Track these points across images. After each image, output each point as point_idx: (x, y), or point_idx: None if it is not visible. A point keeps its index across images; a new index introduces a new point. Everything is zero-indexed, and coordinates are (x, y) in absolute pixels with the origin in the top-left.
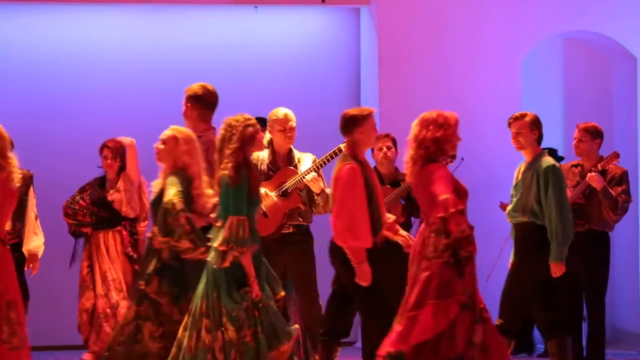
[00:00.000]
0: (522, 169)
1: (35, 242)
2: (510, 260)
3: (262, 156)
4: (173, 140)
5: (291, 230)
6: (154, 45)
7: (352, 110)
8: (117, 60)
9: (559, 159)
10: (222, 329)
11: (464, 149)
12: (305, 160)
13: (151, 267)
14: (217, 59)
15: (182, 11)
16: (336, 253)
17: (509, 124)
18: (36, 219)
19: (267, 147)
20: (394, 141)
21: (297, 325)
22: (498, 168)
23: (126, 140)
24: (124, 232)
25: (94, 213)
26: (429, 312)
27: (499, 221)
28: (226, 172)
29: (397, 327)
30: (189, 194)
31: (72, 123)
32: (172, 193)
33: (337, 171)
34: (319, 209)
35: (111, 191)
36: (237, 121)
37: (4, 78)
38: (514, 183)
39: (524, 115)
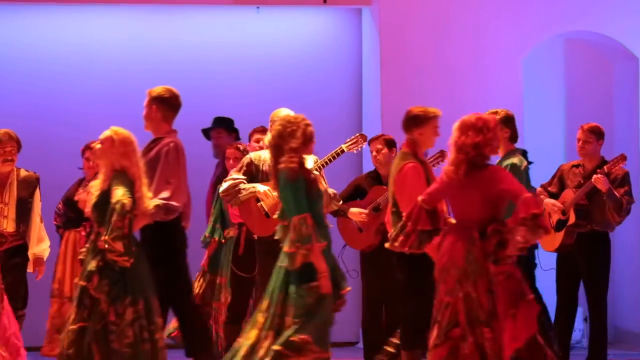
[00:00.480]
0: None
1: (40, 245)
2: None
3: (263, 156)
4: (109, 141)
5: None
6: (155, 46)
7: (417, 110)
8: (118, 61)
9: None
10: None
11: None
12: (306, 161)
13: (93, 265)
14: (219, 60)
15: (183, 11)
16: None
17: None
18: (41, 222)
19: (269, 148)
20: (387, 142)
21: None
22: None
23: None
24: (82, 233)
25: (64, 213)
26: (526, 309)
27: None
28: (291, 165)
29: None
30: (132, 196)
31: (72, 123)
32: (121, 193)
33: (398, 169)
34: None
35: (80, 190)
36: (297, 119)
37: (5, 78)
38: None
39: (494, 114)
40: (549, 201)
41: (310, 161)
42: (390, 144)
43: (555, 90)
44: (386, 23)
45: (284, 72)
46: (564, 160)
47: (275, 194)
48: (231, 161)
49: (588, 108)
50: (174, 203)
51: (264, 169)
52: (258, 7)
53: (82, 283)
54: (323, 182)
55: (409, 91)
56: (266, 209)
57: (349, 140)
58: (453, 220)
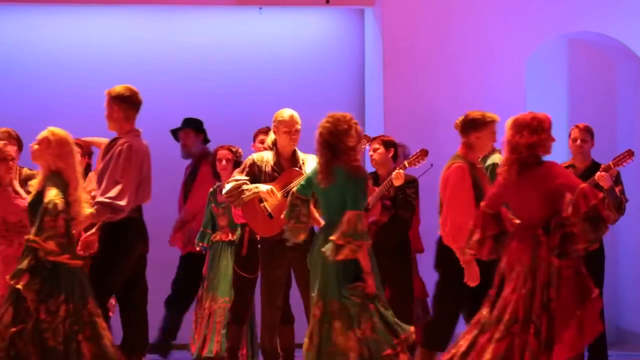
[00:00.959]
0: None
1: None
2: None
3: (266, 157)
4: (45, 142)
5: None
6: (157, 47)
7: (475, 114)
8: (119, 62)
9: None
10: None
11: None
12: (309, 162)
13: (25, 264)
14: (221, 60)
15: (185, 12)
16: (443, 253)
17: (456, 129)
18: None
19: (271, 149)
20: (385, 143)
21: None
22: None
23: (102, 140)
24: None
25: None
26: (593, 309)
27: None
28: (357, 163)
29: (563, 334)
30: (64, 197)
31: (75, 124)
32: (54, 194)
33: (444, 169)
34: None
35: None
36: (346, 117)
37: (9, 79)
38: None
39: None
40: None
41: (312, 162)
42: (388, 144)
43: (558, 90)
44: (389, 23)
45: (286, 72)
46: (567, 159)
47: (279, 194)
48: (223, 162)
49: (591, 108)
50: (119, 203)
51: (266, 169)
52: (260, 8)
53: (12, 282)
54: None
55: (412, 92)
56: (269, 210)
57: None
58: (517, 221)
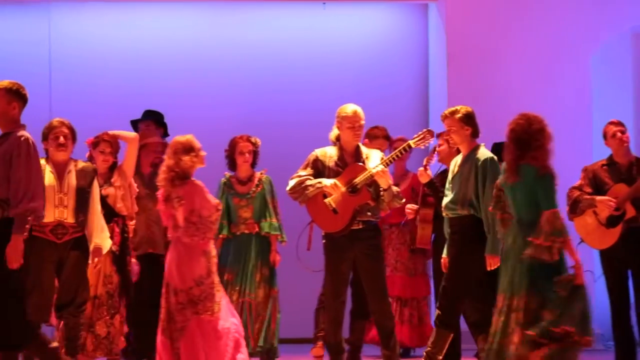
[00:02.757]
0: (459, 162)
1: (101, 235)
2: (444, 255)
3: (329, 152)
4: None
5: (360, 227)
6: (222, 43)
7: None
8: (183, 59)
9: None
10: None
11: None
12: (373, 157)
13: None
14: (286, 56)
15: (249, 8)
16: None
17: (442, 121)
18: (101, 212)
19: (335, 144)
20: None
21: None
22: (567, 168)
23: (130, 134)
24: (116, 229)
25: None
26: None
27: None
28: (547, 162)
29: None
30: None
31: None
32: None
33: None
34: (384, 206)
35: (105, 185)
36: (538, 117)
37: (66, 76)
38: (449, 177)
39: (454, 112)
40: (601, 197)
41: (376, 157)
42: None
43: (624, 86)
44: (452, 19)
45: (350, 68)
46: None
47: (343, 188)
48: (246, 155)
49: None
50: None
51: (330, 165)
52: (324, 3)
53: None
54: (389, 179)
55: (475, 87)
56: (334, 205)
57: (416, 136)
58: None
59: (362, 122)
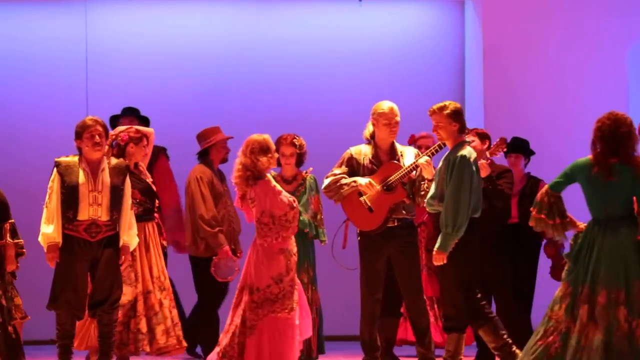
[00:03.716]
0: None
1: (129, 232)
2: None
3: (364, 150)
4: None
5: (396, 224)
6: (256, 41)
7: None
8: (216, 56)
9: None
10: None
11: (569, 145)
12: (407, 154)
13: None
14: (322, 53)
15: (285, 6)
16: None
17: (430, 116)
18: (131, 209)
19: (369, 141)
20: (480, 135)
21: None
22: None
23: (149, 130)
24: (161, 223)
25: (141, 203)
26: None
27: None
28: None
29: None
30: None
31: (176, 118)
32: None
33: None
34: (419, 201)
35: (148, 180)
36: (628, 119)
37: (108, 74)
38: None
39: (442, 108)
40: None
41: (411, 154)
42: (483, 136)
43: None
44: (489, 15)
45: (386, 65)
46: None
47: (378, 187)
48: (288, 157)
49: None
50: None
51: (364, 163)
52: (360, 0)
53: None
54: (432, 170)
55: (512, 84)
56: (369, 204)
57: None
58: None
59: (398, 118)
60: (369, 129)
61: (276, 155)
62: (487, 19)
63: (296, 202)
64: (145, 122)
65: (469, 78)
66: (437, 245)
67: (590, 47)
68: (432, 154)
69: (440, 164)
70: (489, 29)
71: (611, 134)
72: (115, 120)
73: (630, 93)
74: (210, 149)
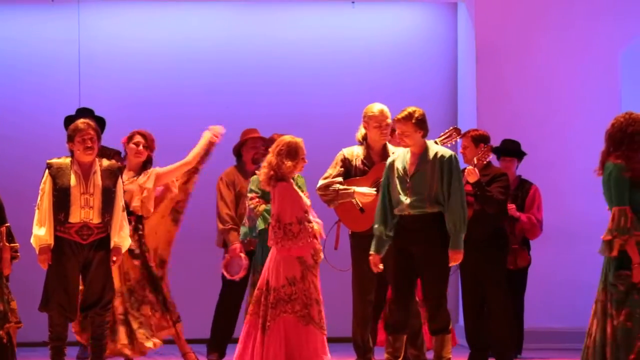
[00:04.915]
0: (411, 160)
1: (121, 234)
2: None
3: (356, 152)
4: None
5: None
6: (249, 42)
7: None
8: (212, 57)
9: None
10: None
11: (562, 147)
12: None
13: None
14: (314, 54)
15: (278, 7)
16: None
17: (394, 122)
18: (123, 211)
19: (361, 143)
20: (474, 139)
21: None
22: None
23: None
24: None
25: None
26: None
27: None
28: (618, 161)
29: None
30: None
31: (170, 119)
32: None
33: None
34: None
35: (130, 180)
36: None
37: (101, 75)
38: (398, 174)
39: (409, 117)
40: None
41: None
42: (477, 140)
43: None
44: (482, 18)
45: (378, 67)
46: None
47: (372, 190)
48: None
49: None
50: None
51: (356, 164)
52: (353, 2)
53: None
54: None
55: (504, 86)
56: (361, 205)
57: (443, 134)
58: None
59: (389, 121)
60: (361, 131)
61: (304, 161)
62: (479, 21)
63: (310, 221)
64: (100, 122)
65: (462, 80)
66: (454, 246)
67: (582, 49)
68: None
69: (412, 167)
70: (481, 31)
71: (619, 131)
72: (69, 122)
73: (623, 95)
74: (242, 149)
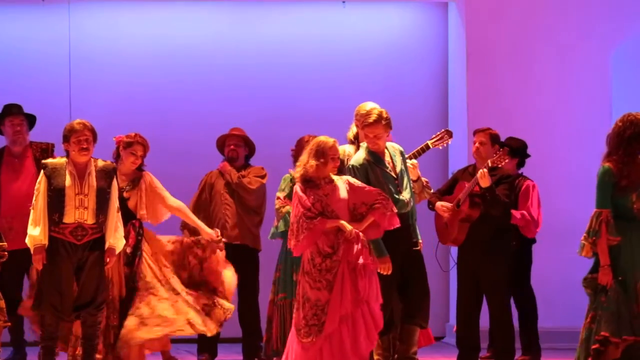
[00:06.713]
0: (385, 159)
1: (115, 235)
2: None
3: (348, 151)
4: None
5: None
6: (240, 41)
7: None
8: (202, 57)
9: None
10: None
11: (553, 146)
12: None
13: None
14: (305, 54)
15: (269, 6)
16: None
17: (370, 127)
18: (118, 212)
19: (353, 142)
20: (492, 137)
21: None
22: (587, 165)
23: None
24: (132, 232)
25: None
26: None
27: None
28: (607, 163)
29: None
30: None
31: (160, 119)
32: None
33: None
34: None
35: (127, 188)
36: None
37: (90, 74)
38: (385, 176)
39: (379, 120)
40: None
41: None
42: (495, 139)
43: None
44: (472, 17)
45: (369, 66)
46: None
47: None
48: None
49: None
50: None
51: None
52: (344, 2)
53: None
54: (417, 171)
55: (495, 85)
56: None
57: (434, 136)
58: None
59: None
60: (353, 130)
61: (334, 161)
62: (470, 21)
63: (310, 208)
64: (30, 118)
65: (453, 79)
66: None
67: (573, 49)
68: (416, 155)
69: (397, 165)
70: (472, 30)
71: (616, 135)
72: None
73: (614, 96)
74: (224, 148)
